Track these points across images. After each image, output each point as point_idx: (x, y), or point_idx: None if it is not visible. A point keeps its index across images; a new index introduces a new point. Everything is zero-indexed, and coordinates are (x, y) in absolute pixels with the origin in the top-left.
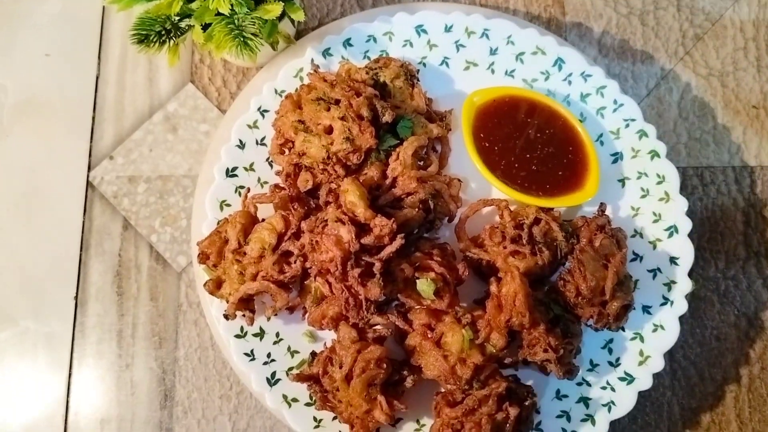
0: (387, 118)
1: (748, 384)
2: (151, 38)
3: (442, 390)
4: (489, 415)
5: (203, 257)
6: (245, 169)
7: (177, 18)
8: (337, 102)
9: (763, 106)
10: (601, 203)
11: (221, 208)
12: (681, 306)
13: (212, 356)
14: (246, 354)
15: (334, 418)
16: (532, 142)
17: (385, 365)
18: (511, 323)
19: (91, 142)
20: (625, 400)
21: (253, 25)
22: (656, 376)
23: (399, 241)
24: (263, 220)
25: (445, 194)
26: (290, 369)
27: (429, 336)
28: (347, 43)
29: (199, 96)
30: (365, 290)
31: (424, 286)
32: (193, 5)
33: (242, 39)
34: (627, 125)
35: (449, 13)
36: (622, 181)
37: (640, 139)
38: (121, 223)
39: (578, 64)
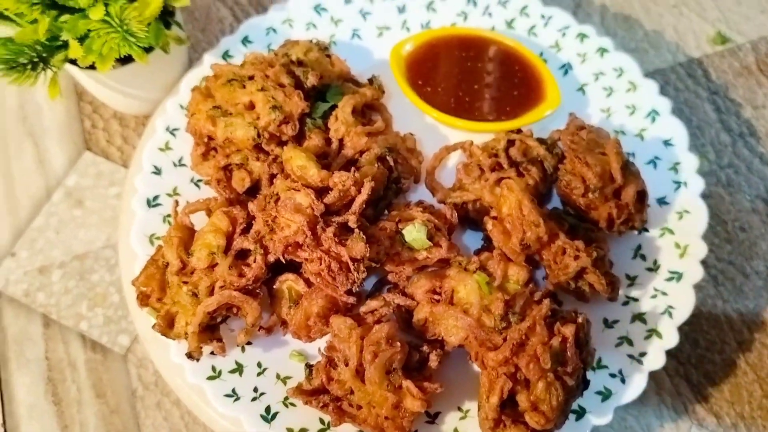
0: (312, 80)
1: None
2: (23, 65)
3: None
4: (543, 344)
5: (143, 298)
6: (168, 195)
7: (48, 42)
8: (251, 78)
9: (683, 3)
10: (570, 113)
11: (152, 243)
12: (696, 183)
13: None
14: (227, 395)
15: None
16: (474, 72)
17: (398, 344)
18: (527, 240)
19: None
20: (682, 299)
21: (136, 17)
22: (700, 289)
23: (368, 185)
24: None
25: (402, 150)
26: (287, 398)
27: (438, 301)
28: (246, 41)
29: (100, 161)
30: (347, 249)
31: (414, 233)
32: (62, 19)
33: (126, 32)
34: (564, 34)
35: None
36: (581, 88)
37: (582, 42)
38: (41, 322)
39: None
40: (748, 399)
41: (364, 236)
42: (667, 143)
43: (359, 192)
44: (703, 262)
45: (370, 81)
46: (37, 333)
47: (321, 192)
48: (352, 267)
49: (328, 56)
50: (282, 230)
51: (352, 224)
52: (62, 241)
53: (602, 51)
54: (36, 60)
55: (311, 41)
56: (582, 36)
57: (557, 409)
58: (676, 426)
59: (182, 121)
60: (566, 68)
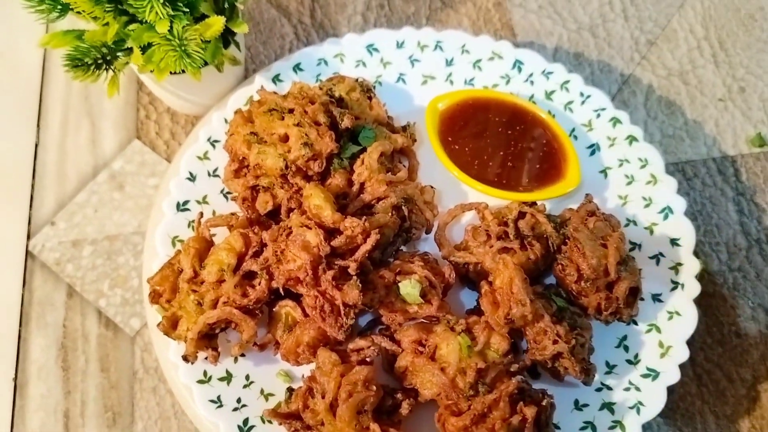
0: (346, 123)
1: None
2: (87, 64)
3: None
4: (503, 420)
5: (155, 296)
6: (198, 202)
7: (114, 45)
8: (291, 111)
9: (729, 98)
10: (587, 194)
11: (173, 245)
12: (693, 287)
13: (176, 427)
14: (212, 401)
15: None
16: (503, 139)
17: (374, 387)
18: (512, 316)
19: (30, 210)
20: (653, 398)
21: (195, 39)
22: (681, 384)
23: (374, 237)
24: None
25: (419, 201)
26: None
27: (421, 352)
28: (297, 67)
29: (146, 151)
30: (342, 294)
31: (408, 288)
32: (130, 27)
33: (183, 51)
34: (598, 115)
35: (399, 29)
36: (604, 171)
37: (614, 127)
38: (65, 291)
39: (537, 63)
40: None
41: (359, 285)
42: (674, 242)
43: (365, 241)
44: (691, 359)
45: (404, 128)
46: (60, 301)
47: (332, 232)
48: (342, 312)
49: (369, 98)
50: (287, 263)
51: (351, 271)
52: (98, 220)
53: (631, 139)
54: (100, 61)
55: (357, 80)
56: (615, 121)
57: None
58: None
59: (223, 134)
60: (594, 149)
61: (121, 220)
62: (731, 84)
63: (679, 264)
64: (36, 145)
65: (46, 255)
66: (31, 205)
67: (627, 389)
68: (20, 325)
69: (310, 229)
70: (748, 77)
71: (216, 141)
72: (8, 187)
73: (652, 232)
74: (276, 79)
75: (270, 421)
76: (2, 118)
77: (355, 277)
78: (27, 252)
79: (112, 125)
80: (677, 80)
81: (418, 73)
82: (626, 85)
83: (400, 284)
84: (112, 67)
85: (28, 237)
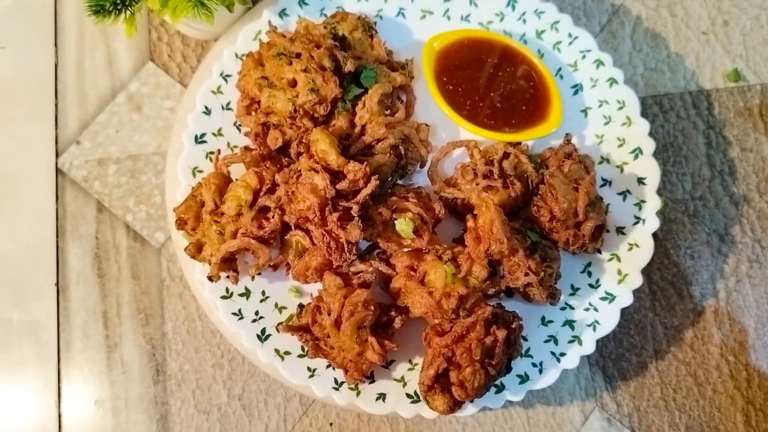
0: (349, 67)
1: (726, 297)
2: (106, 8)
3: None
4: (478, 340)
5: (181, 223)
6: (214, 134)
7: None
8: (298, 55)
9: (712, 31)
10: (567, 133)
11: (194, 175)
12: (653, 223)
13: (200, 327)
14: (234, 314)
15: (328, 366)
16: (493, 80)
17: (372, 307)
18: (491, 252)
19: (56, 128)
20: (608, 318)
21: None
22: (637, 299)
23: (374, 182)
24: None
25: (414, 139)
26: (280, 324)
27: (413, 276)
28: (302, 2)
29: (160, 73)
30: (345, 233)
31: (403, 225)
32: None
33: (199, 1)
34: (584, 56)
35: None
36: (585, 111)
37: (598, 69)
38: (95, 206)
39: (531, 2)
40: (647, 397)
41: (361, 225)
42: (640, 181)
43: (366, 185)
44: (648, 277)
45: (403, 66)
46: (91, 215)
47: (336, 174)
48: (346, 248)
49: (371, 36)
50: (298, 203)
51: (354, 213)
52: (120, 140)
53: (612, 81)
54: (119, 6)
55: (359, 18)
56: (599, 63)
57: (477, 389)
58: (582, 404)
59: (234, 68)
60: (577, 89)
61: (141, 140)
62: (716, 17)
63: (643, 201)
64: (56, 65)
65: (75, 172)
66: (56, 124)
67: (587, 309)
68: (57, 236)
69: (318, 172)
70: (733, 10)
71: (228, 76)
72: (35, 105)
73: (622, 170)
74: (282, 13)
75: None
76: (21, 37)
77: (357, 218)
78: (57, 169)
79: (125, 46)
80: (665, 11)
81: (417, 8)
82: (616, 16)
83: (395, 221)
84: (130, 9)
85: (57, 155)
